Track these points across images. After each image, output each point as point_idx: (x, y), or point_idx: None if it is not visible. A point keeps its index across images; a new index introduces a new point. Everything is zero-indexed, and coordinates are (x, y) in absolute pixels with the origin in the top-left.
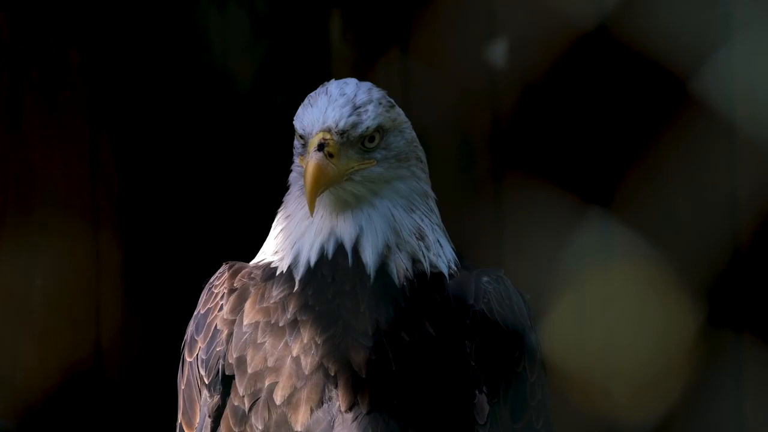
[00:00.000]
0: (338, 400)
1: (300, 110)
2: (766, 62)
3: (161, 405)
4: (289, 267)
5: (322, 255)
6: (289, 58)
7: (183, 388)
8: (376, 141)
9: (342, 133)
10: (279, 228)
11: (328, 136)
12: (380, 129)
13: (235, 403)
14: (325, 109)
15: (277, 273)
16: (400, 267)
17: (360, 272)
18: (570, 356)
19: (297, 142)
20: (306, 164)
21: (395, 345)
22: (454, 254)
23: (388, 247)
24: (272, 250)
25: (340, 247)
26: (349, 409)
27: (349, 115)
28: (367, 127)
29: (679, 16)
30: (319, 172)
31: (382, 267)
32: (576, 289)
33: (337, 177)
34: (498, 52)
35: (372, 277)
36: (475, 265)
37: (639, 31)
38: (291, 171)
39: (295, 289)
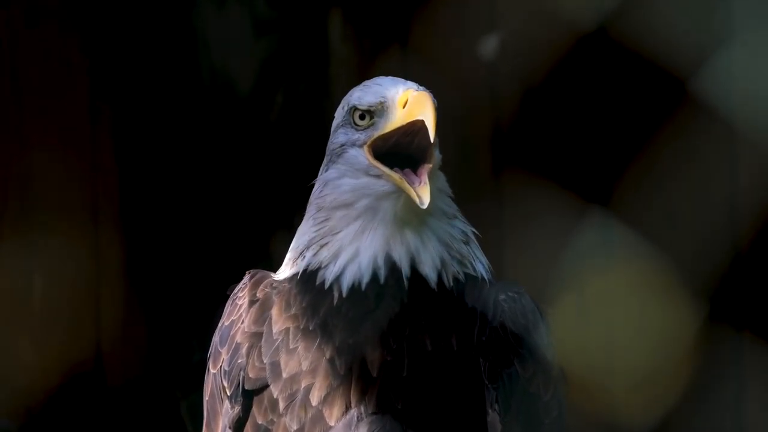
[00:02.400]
0: (356, 398)
1: (359, 92)
2: (766, 63)
3: (161, 405)
4: (330, 282)
5: (373, 277)
6: (289, 58)
7: (207, 399)
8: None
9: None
10: (324, 240)
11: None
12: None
13: (259, 422)
14: (397, 80)
15: (317, 283)
16: (450, 273)
17: (413, 289)
18: (570, 356)
19: (345, 136)
20: (409, 98)
21: (415, 352)
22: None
23: (442, 261)
24: (309, 261)
25: (393, 269)
26: (365, 406)
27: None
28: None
29: (679, 17)
30: (429, 99)
31: (438, 280)
32: (576, 288)
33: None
34: (493, 47)
35: (427, 294)
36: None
37: (639, 31)
38: (314, 185)
39: (335, 303)
